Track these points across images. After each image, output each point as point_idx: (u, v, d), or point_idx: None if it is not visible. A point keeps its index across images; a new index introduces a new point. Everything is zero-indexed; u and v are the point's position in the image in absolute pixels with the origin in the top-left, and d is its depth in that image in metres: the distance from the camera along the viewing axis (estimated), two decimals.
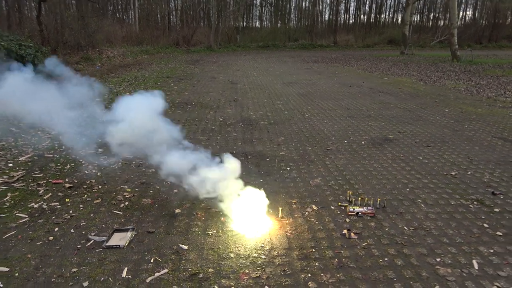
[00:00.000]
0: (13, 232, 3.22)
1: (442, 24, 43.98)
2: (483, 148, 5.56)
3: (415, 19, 44.37)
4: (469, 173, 4.60)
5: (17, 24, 22.45)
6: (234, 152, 5.42)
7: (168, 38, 33.65)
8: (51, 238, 3.13)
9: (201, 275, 2.64)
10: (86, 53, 19.63)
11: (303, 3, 46.96)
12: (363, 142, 5.88)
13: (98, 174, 4.58)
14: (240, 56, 26.95)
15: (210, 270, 2.71)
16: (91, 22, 21.09)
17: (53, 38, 18.42)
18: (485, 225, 3.35)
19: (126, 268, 2.72)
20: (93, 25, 21.22)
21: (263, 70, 17.31)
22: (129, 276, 2.63)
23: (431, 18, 47.86)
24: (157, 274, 2.65)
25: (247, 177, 4.44)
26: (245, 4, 39.21)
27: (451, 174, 4.54)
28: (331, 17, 45.74)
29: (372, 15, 47.86)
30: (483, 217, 3.50)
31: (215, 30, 34.42)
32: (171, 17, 38.56)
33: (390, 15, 49.35)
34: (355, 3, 47.07)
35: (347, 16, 48.14)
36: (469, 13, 47.21)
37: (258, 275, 2.64)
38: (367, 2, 47.69)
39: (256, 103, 9.23)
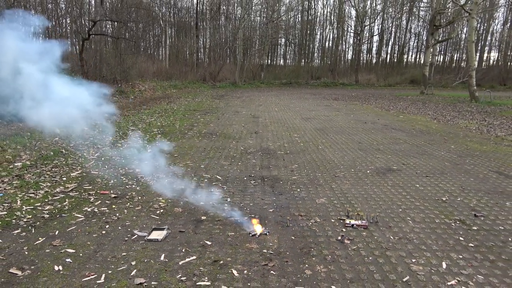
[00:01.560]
0: (73, 227, 4.06)
1: (464, 65, 44.54)
2: (477, 180, 6.14)
3: (439, 59, 45.19)
4: (459, 199, 5.20)
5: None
6: (252, 175, 6.20)
7: (195, 74, 35.51)
8: (103, 232, 3.95)
9: (221, 262, 3.38)
10: (120, 86, 21.24)
11: (327, 43, 48.72)
12: (368, 171, 6.55)
13: (137, 188, 5.43)
14: (263, 92, 28.21)
15: (228, 259, 3.44)
16: (126, 59, 22.87)
17: (92, 73, 20.13)
18: (461, 238, 3.96)
19: (163, 254, 3.48)
20: (128, 61, 22.99)
21: (284, 106, 18.29)
22: (166, 260, 3.39)
23: (455, 59, 48.60)
24: (187, 259, 3.40)
25: (262, 195, 5.20)
26: (270, 43, 41.10)
27: (442, 199, 5.16)
28: (353, 56, 47.12)
29: (395, 56, 49.03)
30: (461, 232, 4.11)
31: (241, 67, 36.17)
32: (199, 54, 40.78)
33: (413, 55, 50.42)
34: (378, 44, 48.45)
35: (370, 56, 49.52)
36: (494, 54, 47.75)
37: (266, 263, 3.35)
38: (390, 43, 49.03)
39: (275, 135, 10.07)
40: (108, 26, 27.51)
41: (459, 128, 11.99)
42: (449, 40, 42.45)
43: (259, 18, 43.82)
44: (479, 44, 45.17)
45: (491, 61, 47.62)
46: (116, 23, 23.70)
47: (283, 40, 47.15)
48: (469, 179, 6.17)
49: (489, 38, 47.13)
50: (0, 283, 2.99)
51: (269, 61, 46.98)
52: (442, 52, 47.55)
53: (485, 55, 47.13)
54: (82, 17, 25.73)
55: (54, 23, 26.50)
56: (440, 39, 34.22)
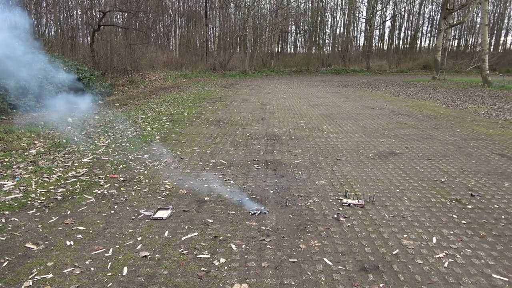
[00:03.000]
0: (84, 208, 4.31)
1: (479, 50, 43.56)
2: (479, 162, 6.21)
3: (453, 44, 44.32)
4: (457, 180, 5.30)
5: (69, 50, 24.93)
6: (256, 159, 6.38)
7: (205, 63, 35.63)
8: (112, 212, 4.19)
9: (221, 238, 3.58)
10: (131, 76, 21.53)
11: (338, 30, 48.19)
12: (370, 155, 6.67)
13: (145, 172, 5.66)
14: (273, 80, 28.23)
15: (228, 235, 3.64)
16: (136, 49, 23.11)
17: (103, 63, 20.42)
18: (454, 216, 4.09)
19: (167, 231, 3.71)
20: (138, 52, 23.23)
21: (293, 93, 18.35)
22: (169, 236, 3.61)
23: (470, 43, 47.60)
24: (189, 235, 3.62)
25: (264, 178, 5.38)
26: (280, 31, 40.87)
27: (441, 180, 5.26)
28: (365, 42, 46.50)
29: (407, 41, 48.24)
30: (455, 210, 4.24)
31: (250, 55, 36.13)
32: (209, 43, 40.81)
33: (426, 40, 49.53)
34: (390, 29, 47.72)
35: (382, 42, 48.82)
36: (511, 38, 46.64)
37: (263, 239, 3.54)
38: (402, 28, 48.24)
39: (282, 122, 10.21)
40: (118, 16, 27.77)
41: (468, 112, 11.93)
42: (463, 24, 41.56)
43: (268, 6, 43.52)
44: (495, 28, 44.12)
45: (508, 45, 46.52)
46: (126, 13, 23.92)
47: (293, 27, 46.78)
48: (470, 161, 6.24)
49: (506, 21, 46.01)
50: (17, 256, 3.25)
51: (279, 49, 46.76)
52: (457, 37, 46.60)
53: (502, 38, 46.07)
54: (93, 8, 25.99)
55: (65, 14, 26.82)
56: (453, 22, 33.54)
